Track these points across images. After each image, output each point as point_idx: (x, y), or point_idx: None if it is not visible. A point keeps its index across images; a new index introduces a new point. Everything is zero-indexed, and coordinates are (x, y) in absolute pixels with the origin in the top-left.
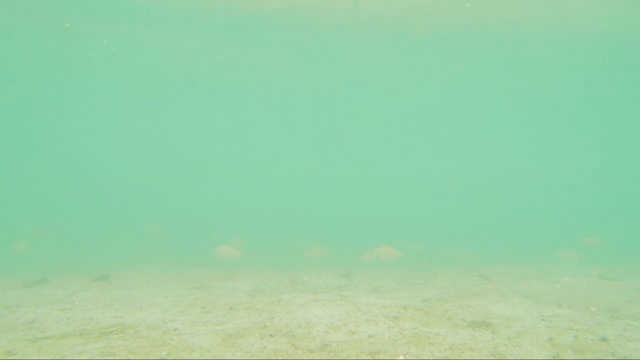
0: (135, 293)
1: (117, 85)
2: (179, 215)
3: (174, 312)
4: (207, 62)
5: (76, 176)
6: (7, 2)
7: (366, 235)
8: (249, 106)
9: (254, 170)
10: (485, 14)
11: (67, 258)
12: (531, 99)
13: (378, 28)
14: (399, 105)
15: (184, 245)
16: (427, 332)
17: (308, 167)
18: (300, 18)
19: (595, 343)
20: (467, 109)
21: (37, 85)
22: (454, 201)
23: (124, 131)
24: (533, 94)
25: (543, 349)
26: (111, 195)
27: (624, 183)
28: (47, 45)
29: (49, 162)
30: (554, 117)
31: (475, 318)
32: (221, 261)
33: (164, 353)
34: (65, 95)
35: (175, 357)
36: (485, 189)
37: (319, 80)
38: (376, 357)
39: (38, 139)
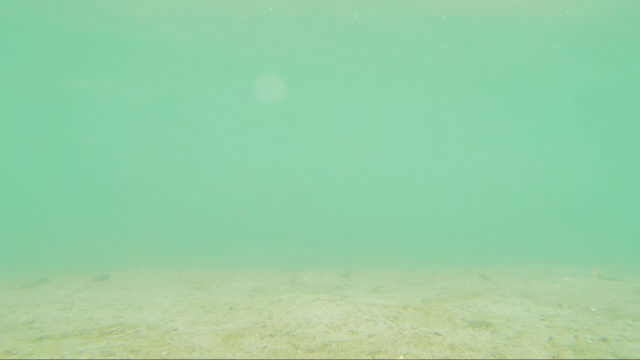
0: (135, 293)
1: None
2: (177, 215)
3: (174, 312)
4: None
5: (78, 176)
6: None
7: (368, 236)
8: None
9: (255, 170)
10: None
11: (67, 258)
12: (531, 99)
13: (385, 26)
14: (402, 106)
15: (184, 245)
16: (427, 332)
17: (310, 167)
18: None
19: (596, 343)
20: (467, 110)
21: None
22: (455, 202)
23: (122, 129)
24: (532, 94)
25: (543, 349)
26: (111, 195)
27: (625, 183)
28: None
29: (52, 161)
30: (556, 117)
31: (475, 318)
32: (221, 261)
33: (164, 353)
34: (73, 94)
35: (175, 357)
36: (486, 190)
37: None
38: (376, 357)
39: (41, 139)
